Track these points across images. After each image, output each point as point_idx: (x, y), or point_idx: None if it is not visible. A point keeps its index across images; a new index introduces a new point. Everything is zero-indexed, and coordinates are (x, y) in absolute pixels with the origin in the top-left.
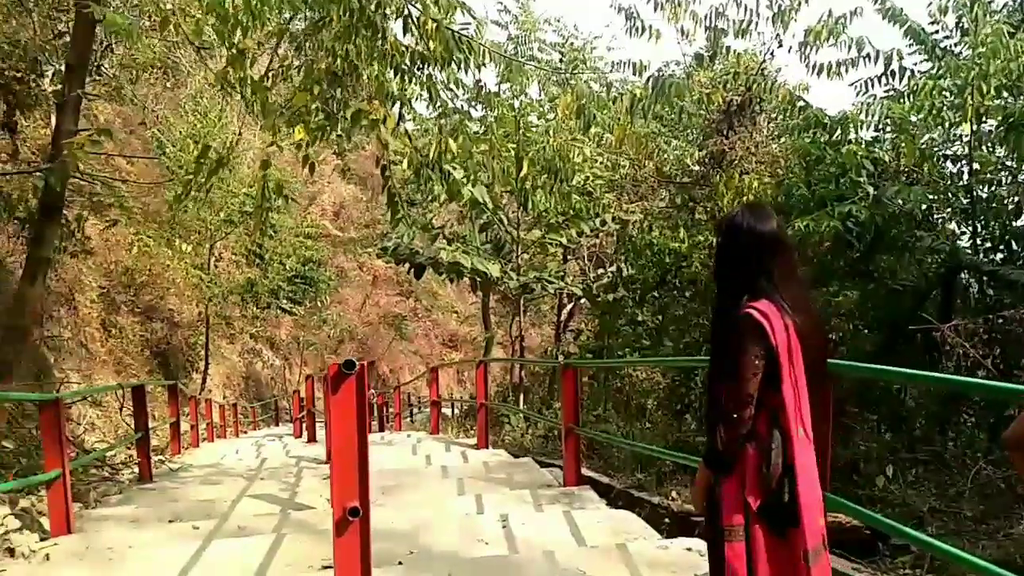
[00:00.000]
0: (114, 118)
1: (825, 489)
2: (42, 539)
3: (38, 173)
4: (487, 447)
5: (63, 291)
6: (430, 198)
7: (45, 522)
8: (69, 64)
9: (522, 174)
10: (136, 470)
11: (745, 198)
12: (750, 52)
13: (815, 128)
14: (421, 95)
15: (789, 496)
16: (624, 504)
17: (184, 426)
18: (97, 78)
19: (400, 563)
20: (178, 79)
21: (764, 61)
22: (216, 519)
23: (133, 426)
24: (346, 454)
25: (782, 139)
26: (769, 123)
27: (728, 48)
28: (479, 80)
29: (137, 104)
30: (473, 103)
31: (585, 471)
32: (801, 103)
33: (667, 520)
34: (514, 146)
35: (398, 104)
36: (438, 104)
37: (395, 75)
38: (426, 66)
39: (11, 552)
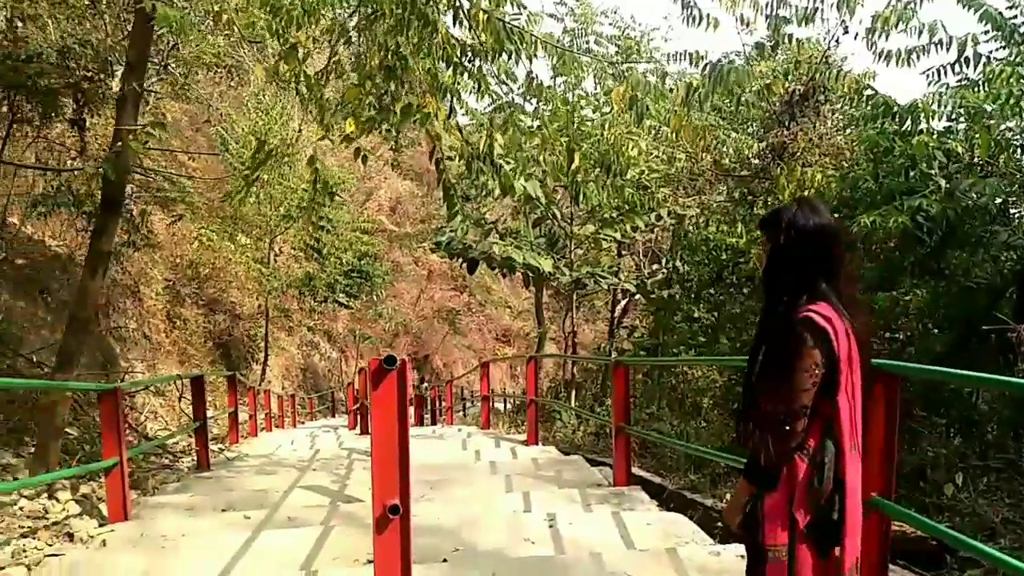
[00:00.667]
0: (181, 116)
1: (889, 496)
2: (100, 525)
3: (99, 167)
4: (537, 443)
5: (129, 283)
6: (484, 193)
7: (104, 508)
8: (129, 61)
9: (573, 167)
10: (195, 458)
11: (807, 192)
12: (814, 40)
13: (883, 118)
14: (473, 88)
15: (839, 514)
16: (676, 506)
17: (243, 416)
18: (164, 76)
19: (445, 560)
20: (242, 77)
21: (828, 49)
22: (267, 509)
23: (192, 415)
24: (387, 451)
25: (848, 130)
26: (834, 113)
27: (791, 36)
28: (530, 72)
29: (202, 102)
30: (527, 97)
31: (636, 470)
32: (868, 91)
33: (720, 524)
34: (566, 139)
35: (450, 97)
36: (490, 97)
37: (447, 67)
38: (477, 59)
39: (70, 537)
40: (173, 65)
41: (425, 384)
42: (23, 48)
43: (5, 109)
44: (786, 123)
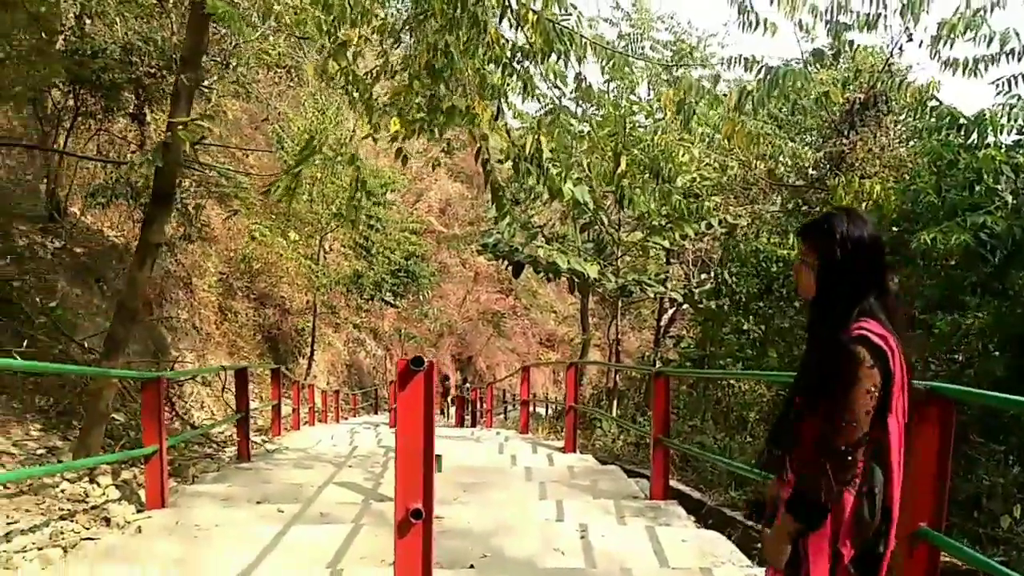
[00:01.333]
0: (241, 114)
1: (939, 527)
2: (138, 511)
3: (146, 157)
4: (574, 451)
5: (183, 275)
6: (532, 196)
7: (143, 495)
8: (183, 56)
9: (620, 171)
10: (236, 449)
11: (864, 205)
12: (875, 48)
13: (948, 129)
14: (520, 90)
15: (884, 546)
16: (714, 523)
17: (286, 409)
18: (225, 75)
19: (472, 566)
20: (300, 77)
21: (891, 57)
22: (301, 504)
23: (235, 407)
24: (411, 453)
25: (910, 142)
26: (896, 124)
27: (852, 43)
28: (579, 73)
29: (262, 101)
30: (577, 101)
31: (675, 483)
32: (933, 102)
33: (759, 545)
34: (615, 144)
35: (498, 98)
36: (540, 99)
37: (496, 67)
38: (526, 59)
39: (107, 521)
40: (234, 64)
41: (467, 384)
42: (89, 44)
43: (70, 102)
44: (845, 132)
